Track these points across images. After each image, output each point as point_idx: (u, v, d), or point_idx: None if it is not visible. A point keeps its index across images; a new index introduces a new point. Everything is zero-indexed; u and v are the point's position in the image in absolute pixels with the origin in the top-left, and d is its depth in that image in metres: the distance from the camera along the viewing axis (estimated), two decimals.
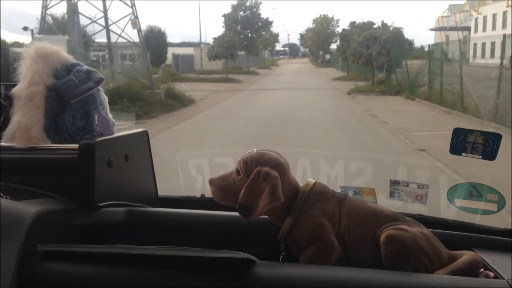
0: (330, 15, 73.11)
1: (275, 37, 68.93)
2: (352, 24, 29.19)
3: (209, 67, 36.31)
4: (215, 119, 13.45)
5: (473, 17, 43.41)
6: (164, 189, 1.72)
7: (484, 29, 41.13)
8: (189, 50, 45.63)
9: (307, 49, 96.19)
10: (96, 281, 1.05)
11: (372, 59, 23.11)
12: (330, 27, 68.91)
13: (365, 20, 27.73)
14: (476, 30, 43.07)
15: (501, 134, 1.32)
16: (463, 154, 1.36)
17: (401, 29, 24.17)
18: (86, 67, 1.41)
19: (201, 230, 1.34)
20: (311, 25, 73.81)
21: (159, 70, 31.72)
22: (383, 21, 25.88)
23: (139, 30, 20.85)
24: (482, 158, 1.34)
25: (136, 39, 20.95)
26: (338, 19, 77.85)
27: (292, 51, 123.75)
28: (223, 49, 33.34)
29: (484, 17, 41.46)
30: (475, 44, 40.02)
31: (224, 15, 41.78)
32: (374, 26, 26.00)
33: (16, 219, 1.08)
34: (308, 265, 1.12)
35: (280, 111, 14.57)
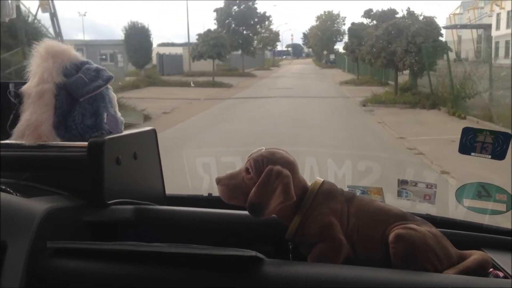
0: (335, 12, 67.76)
1: (276, 36, 65.43)
2: (368, 13, 22.69)
3: (201, 68, 31.50)
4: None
5: (495, 13, 39.69)
6: (171, 188, 1.72)
7: (508, 25, 36.91)
8: (178, 50, 40.48)
9: (310, 49, 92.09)
10: (105, 278, 1.06)
11: (396, 58, 16.73)
12: (335, 25, 64.23)
13: (385, 8, 21.63)
14: (498, 27, 39.23)
15: (511, 133, 1.31)
16: (472, 153, 1.35)
17: (434, 18, 17.55)
18: (95, 65, 1.42)
19: (208, 229, 1.34)
20: (314, 23, 68.90)
21: (142, 72, 28.75)
22: (409, 8, 18.66)
23: (52, 15, 16.26)
24: (492, 158, 1.33)
25: (118, 37, 17.93)
26: (345, 17, 72.57)
27: (296, 51, 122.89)
28: (208, 47, 28.16)
29: (508, 12, 37.49)
30: (497, 43, 34.65)
31: (216, 10, 36.55)
32: (397, 16, 19.71)
33: (26, 216, 1.09)
34: (316, 264, 1.12)
35: (266, 138, 9.00)
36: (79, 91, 1.36)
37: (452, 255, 1.12)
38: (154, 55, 32.31)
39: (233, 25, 36.61)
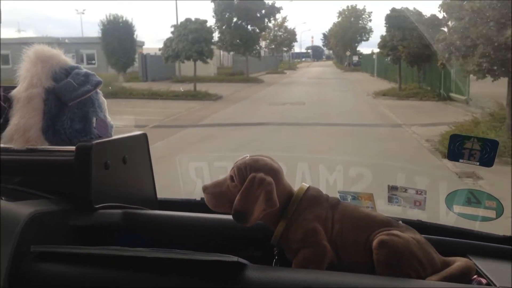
0: (359, 7, 58.63)
1: (292, 35, 58.73)
2: None
3: (199, 72, 22.70)
4: None
5: None
6: (164, 193, 1.72)
7: None
8: None
9: (331, 51, 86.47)
10: (89, 282, 1.06)
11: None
12: (360, 21, 56.35)
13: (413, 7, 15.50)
14: None
15: (498, 140, 1.31)
16: (460, 160, 1.35)
17: None
18: (84, 70, 1.43)
19: (197, 233, 1.34)
20: (336, 20, 60.84)
21: (120, 77, 23.56)
22: None
23: None
24: (480, 165, 1.33)
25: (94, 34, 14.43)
26: (371, 12, 60.27)
27: (316, 53, 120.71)
28: (186, 43, 20.22)
29: None
30: None
31: (214, 0, 29.39)
32: None
33: (11, 220, 1.09)
34: (299, 269, 1.12)
35: None
36: (68, 96, 1.37)
37: (435, 261, 1.12)
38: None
39: (234, 19, 30.08)
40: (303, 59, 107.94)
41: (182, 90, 19.79)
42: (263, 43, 51.44)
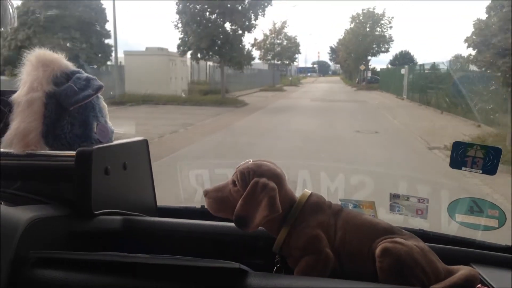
0: (377, 11, 48.16)
1: (294, 44, 49.89)
2: None
3: (162, 90, 19.93)
4: None
5: None
6: (164, 200, 1.68)
7: None
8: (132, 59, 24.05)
9: (338, 65, 75.00)
10: None
11: None
12: (377, 28, 44.35)
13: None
14: None
15: (501, 148, 1.30)
16: (463, 168, 1.34)
17: None
18: (86, 74, 1.42)
19: (198, 240, 1.33)
20: (348, 27, 48.42)
21: None
22: None
23: None
24: (482, 173, 1.32)
25: None
26: (392, 17, 49.23)
27: (322, 68, 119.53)
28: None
29: None
30: None
31: None
32: None
33: (10, 225, 1.08)
34: (301, 277, 1.11)
35: None
36: (69, 100, 1.36)
37: (439, 270, 1.11)
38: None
39: (207, 14, 21.10)
40: (309, 74, 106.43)
41: None
42: (256, 53, 42.70)
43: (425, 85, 20.49)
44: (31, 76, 1.36)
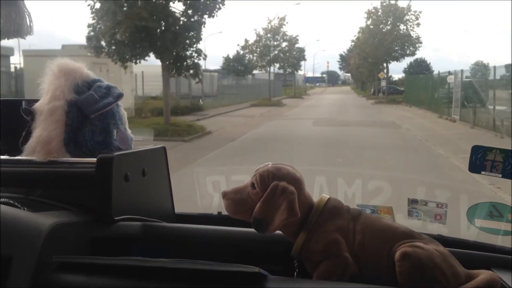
0: (401, 4, 38.15)
1: (299, 51, 41.38)
2: None
3: None
4: None
5: None
6: (181, 207, 1.70)
7: None
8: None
9: (348, 75, 69.03)
10: None
11: None
12: (402, 26, 34.49)
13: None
14: None
15: None
16: (483, 172, 1.34)
17: None
18: (106, 83, 1.45)
19: (216, 246, 1.34)
20: (364, 24, 37.97)
21: None
22: None
23: None
24: (502, 177, 1.31)
25: None
26: (420, 11, 36.07)
27: (331, 78, 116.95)
28: None
29: None
30: None
31: None
32: None
33: (33, 231, 1.10)
34: (320, 281, 1.11)
35: None
36: (90, 108, 1.39)
37: (459, 274, 1.10)
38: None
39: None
40: (317, 84, 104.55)
41: None
42: (251, 57, 34.92)
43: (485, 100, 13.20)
44: (53, 85, 1.39)
